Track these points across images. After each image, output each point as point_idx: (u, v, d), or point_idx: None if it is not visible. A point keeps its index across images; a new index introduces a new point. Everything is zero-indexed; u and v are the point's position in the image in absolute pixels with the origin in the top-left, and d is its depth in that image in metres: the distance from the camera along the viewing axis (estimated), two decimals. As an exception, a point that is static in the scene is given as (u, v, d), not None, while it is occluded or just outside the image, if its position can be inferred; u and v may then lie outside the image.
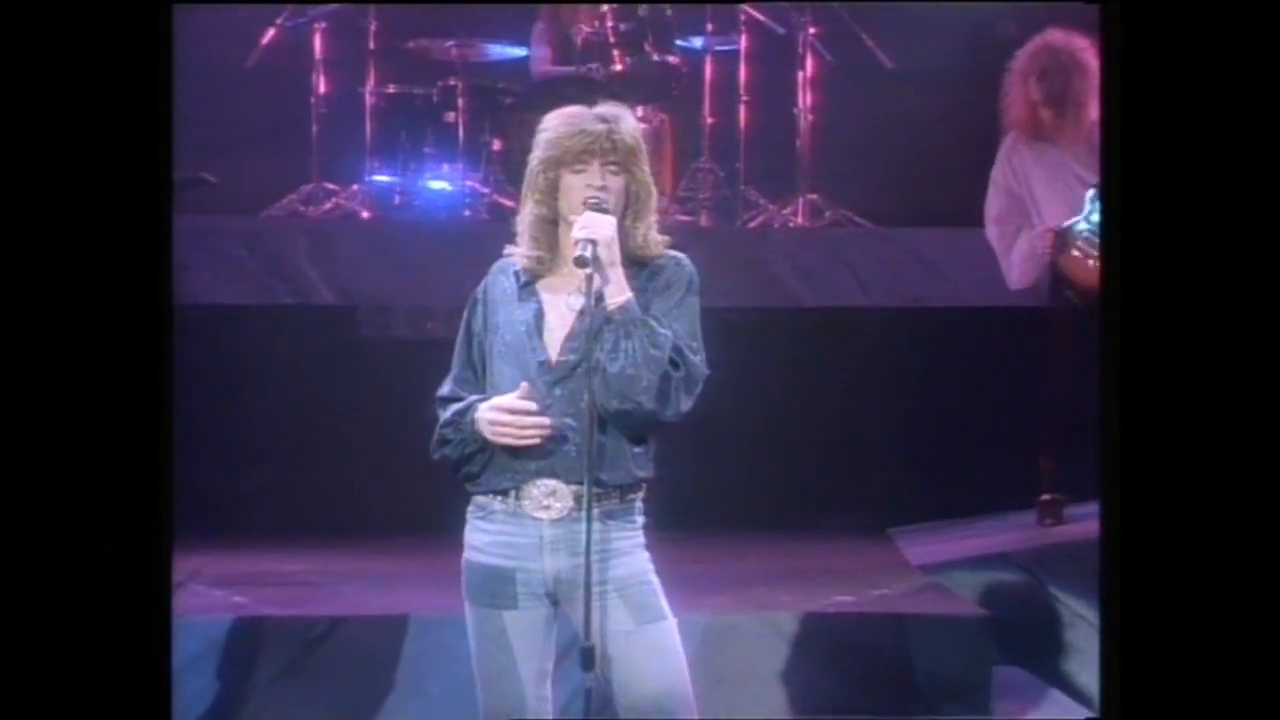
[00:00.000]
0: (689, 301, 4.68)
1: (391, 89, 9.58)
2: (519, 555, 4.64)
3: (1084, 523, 7.66)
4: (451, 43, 9.58)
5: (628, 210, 4.64)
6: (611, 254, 4.53)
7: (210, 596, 6.86)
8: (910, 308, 9.01)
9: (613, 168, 4.59)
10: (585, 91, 8.97)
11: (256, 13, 9.68)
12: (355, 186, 9.26)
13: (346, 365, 8.21)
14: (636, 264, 4.64)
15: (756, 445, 8.66)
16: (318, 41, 9.61)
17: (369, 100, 9.46)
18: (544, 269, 4.66)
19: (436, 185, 9.44)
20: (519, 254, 4.69)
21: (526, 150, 8.87)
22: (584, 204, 4.60)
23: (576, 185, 4.60)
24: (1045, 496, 7.78)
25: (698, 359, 4.59)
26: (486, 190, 9.42)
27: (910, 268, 9.10)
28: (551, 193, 4.64)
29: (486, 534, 4.66)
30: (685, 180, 9.64)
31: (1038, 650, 7.26)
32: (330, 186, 9.24)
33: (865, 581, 7.23)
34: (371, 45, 9.57)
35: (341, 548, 7.39)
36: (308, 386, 7.95)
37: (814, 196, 9.65)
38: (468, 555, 4.71)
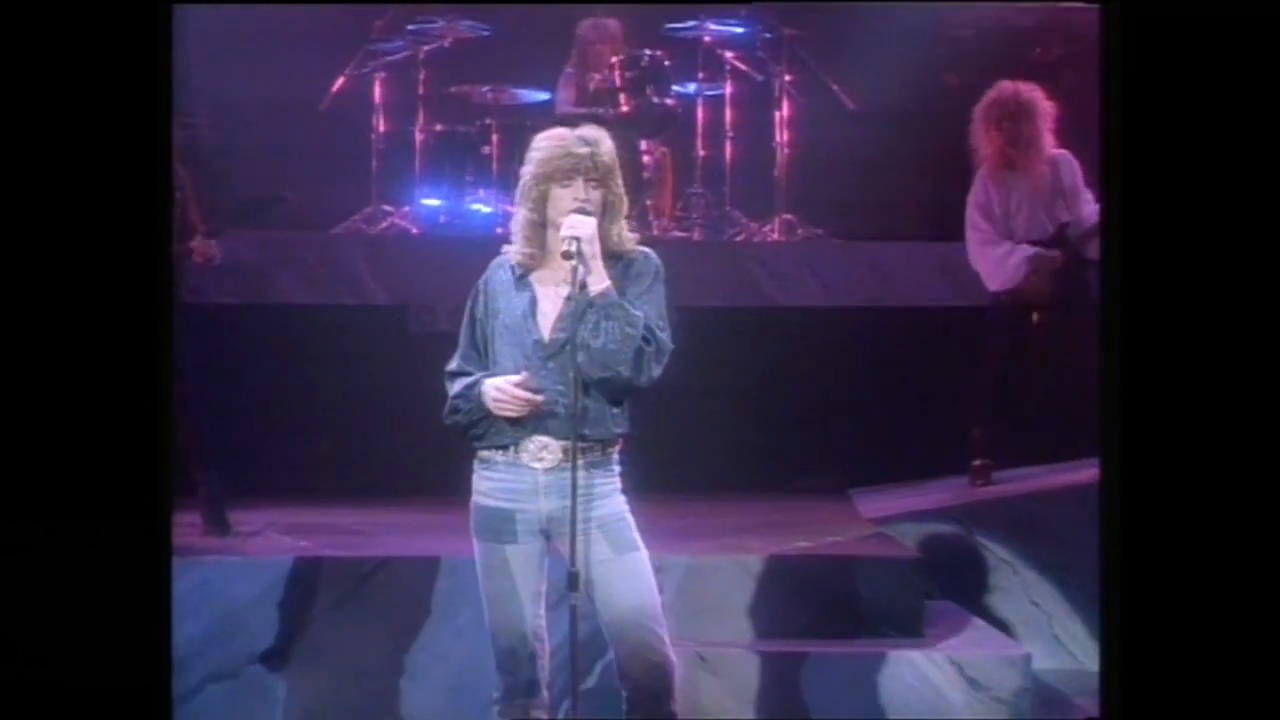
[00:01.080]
0: (656, 288, 4.74)
1: (438, 127, 9.56)
2: (518, 498, 4.70)
3: (1008, 484, 7.80)
4: (487, 89, 9.59)
5: (605, 215, 4.66)
6: (593, 249, 4.56)
7: (280, 542, 6.93)
8: (865, 306, 8.99)
9: (594, 183, 4.64)
10: (605, 128, 9.31)
11: (328, 63, 9.76)
12: (407, 208, 9.31)
13: (397, 355, 8.12)
14: (613, 258, 4.68)
15: (736, 421, 8.61)
16: (377, 89, 9.65)
17: (419, 137, 9.49)
18: (535, 263, 4.70)
19: (475, 207, 9.46)
20: (514, 251, 4.74)
21: None
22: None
23: (564, 197, 4.64)
24: (976, 462, 7.82)
25: (665, 335, 4.64)
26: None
27: (866, 274, 9.08)
28: (542, 202, 4.68)
29: (490, 481, 4.72)
30: (681, 202, 9.67)
31: (965, 587, 7.33)
32: (387, 208, 9.27)
33: (822, 531, 7.22)
34: (420, 91, 9.59)
35: (387, 503, 7.36)
36: (364, 372, 7.96)
37: (789, 216, 9.67)
38: (475, 499, 4.78)
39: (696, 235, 9.55)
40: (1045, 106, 7.75)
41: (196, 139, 8.67)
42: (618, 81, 9.40)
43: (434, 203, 9.44)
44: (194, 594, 6.50)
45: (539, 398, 4.57)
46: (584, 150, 4.68)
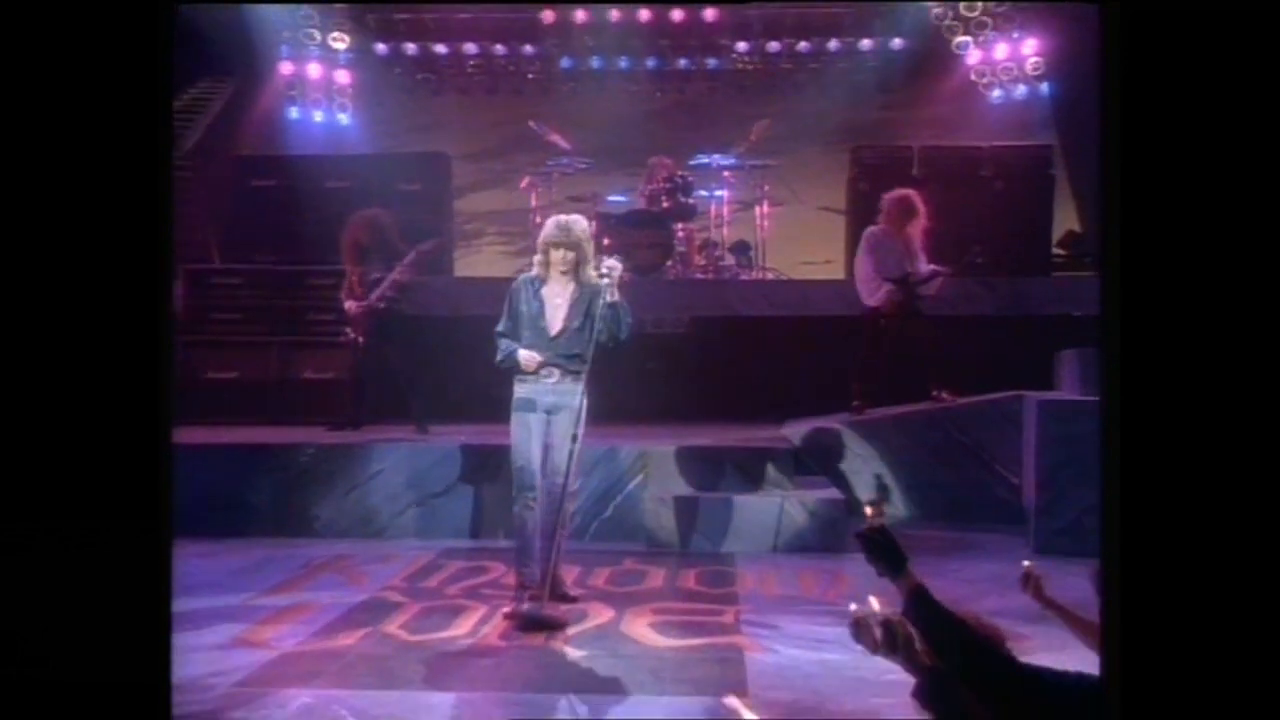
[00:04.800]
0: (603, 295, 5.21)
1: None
2: (537, 394, 5.32)
3: (871, 414, 8.18)
4: (591, 194, 10.19)
5: (578, 263, 5.28)
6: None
7: (447, 437, 7.64)
8: (795, 316, 9.29)
9: (567, 248, 5.28)
10: (653, 217, 9.83)
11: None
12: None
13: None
14: (584, 285, 5.29)
15: (717, 382, 9.11)
16: (533, 197, 10.29)
17: None
18: (542, 282, 5.36)
19: None
20: (535, 270, 5.39)
21: (630, 245, 9.73)
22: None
23: (556, 255, 5.29)
24: (855, 403, 8.22)
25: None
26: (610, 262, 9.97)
27: (797, 298, 9.52)
28: (546, 253, 5.33)
29: (522, 386, 5.35)
30: (701, 258, 10.15)
31: (835, 468, 7.88)
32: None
33: (749, 439, 7.81)
34: (553, 197, 10.14)
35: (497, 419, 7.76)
36: (470, 352, 7.27)
37: (769, 266, 10.22)
38: (515, 392, 5.35)
39: (710, 274, 10.05)
40: (923, 207, 8.09)
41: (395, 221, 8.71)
42: (663, 190, 9.96)
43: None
44: (401, 462, 7.38)
45: (543, 360, 5.22)
46: (561, 230, 5.31)
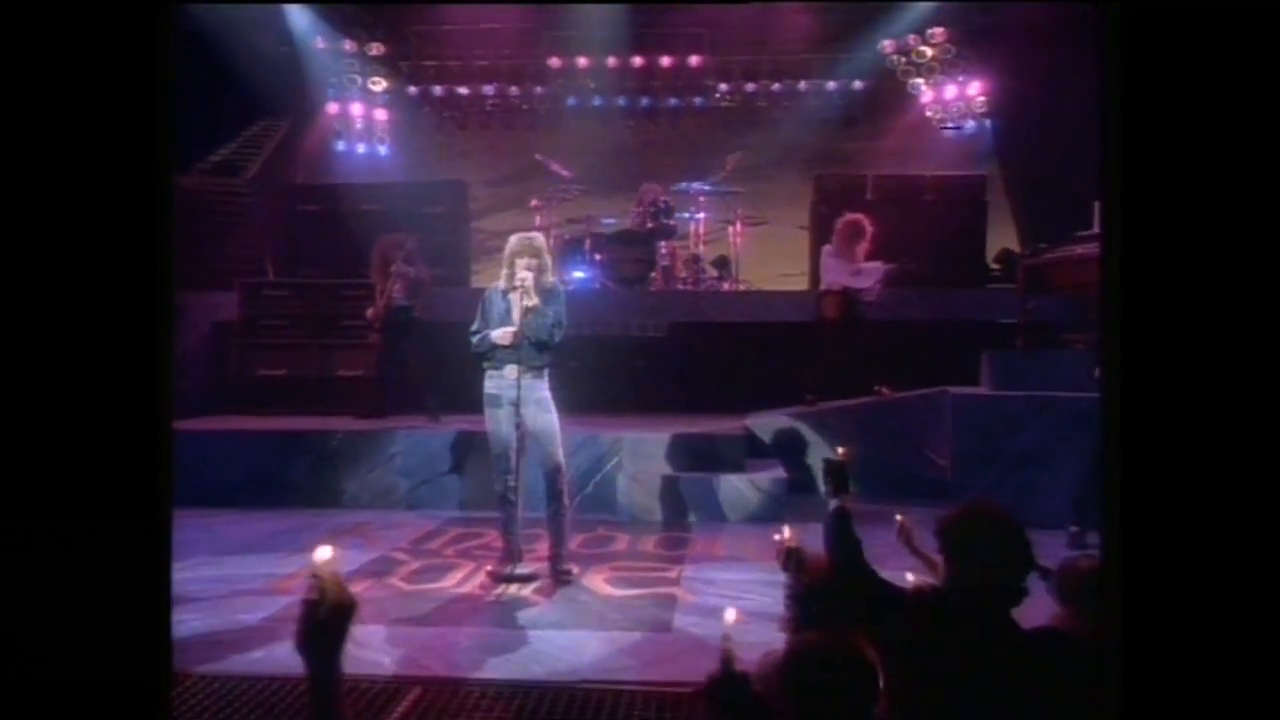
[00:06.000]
0: (560, 299, 5.35)
1: (566, 237, 10.44)
2: (501, 389, 5.33)
3: (821, 406, 8.30)
4: (587, 216, 10.51)
5: (539, 272, 5.29)
6: (528, 286, 5.23)
7: (453, 424, 7.81)
8: (759, 321, 9.34)
9: (531, 258, 5.29)
10: (638, 236, 10.06)
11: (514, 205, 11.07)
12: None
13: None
14: (544, 291, 5.30)
15: (693, 380, 9.20)
16: (537, 218, 10.67)
17: (555, 241, 10.23)
18: (509, 290, 5.36)
19: (578, 274, 10.11)
20: (502, 282, 5.41)
21: (618, 260, 9.91)
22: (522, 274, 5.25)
23: (520, 265, 5.28)
24: (808, 398, 8.39)
25: (563, 323, 5.31)
26: (599, 275, 10.09)
27: (762, 307, 9.70)
28: (511, 265, 5.31)
29: (490, 380, 5.37)
30: (686, 270, 10.42)
31: (789, 452, 8.01)
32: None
33: (715, 429, 7.63)
34: (554, 219, 10.56)
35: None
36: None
37: (743, 279, 10.51)
38: (485, 389, 5.36)
39: (690, 285, 10.31)
40: (870, 229, 8.25)
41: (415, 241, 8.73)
42: (648, 212, 10.23)
43: (578, 274, 10.11)
44: (416, 446, 7.61)
45: (515, 334, 5.23)
46: (525, 243, 5.34)
